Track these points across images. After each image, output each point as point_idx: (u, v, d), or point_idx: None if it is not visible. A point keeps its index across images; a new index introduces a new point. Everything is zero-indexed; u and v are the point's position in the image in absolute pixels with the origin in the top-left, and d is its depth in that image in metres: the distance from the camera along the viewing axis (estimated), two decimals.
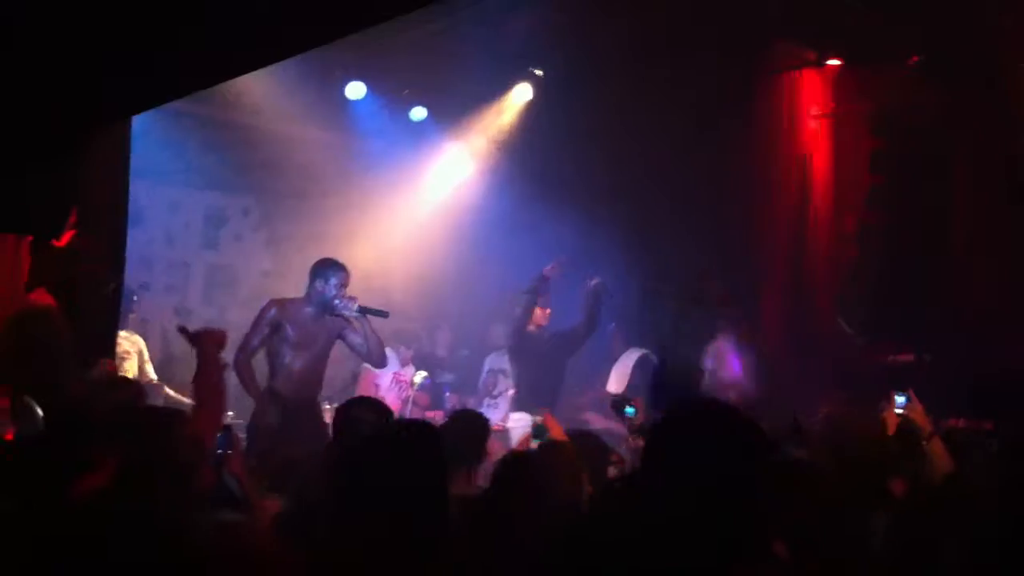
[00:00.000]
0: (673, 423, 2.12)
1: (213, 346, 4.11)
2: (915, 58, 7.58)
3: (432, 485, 2.69)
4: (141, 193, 7.70)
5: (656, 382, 7.02)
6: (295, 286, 6.58)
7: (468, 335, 9.42)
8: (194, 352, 4.11)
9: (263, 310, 6.23)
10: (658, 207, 8.41)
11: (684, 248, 8.09)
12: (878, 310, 7.81)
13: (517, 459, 3.63)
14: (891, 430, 4.02)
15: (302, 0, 4.37)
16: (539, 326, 7.69)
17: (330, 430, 4.47)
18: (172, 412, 3.61)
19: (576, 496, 3.43)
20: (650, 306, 8.24)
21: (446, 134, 9.48)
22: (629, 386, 7.53)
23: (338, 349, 6.51)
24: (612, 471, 3.87)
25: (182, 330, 4.27)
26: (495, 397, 8.18)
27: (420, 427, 2.93)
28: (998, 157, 7.33)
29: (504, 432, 7.25)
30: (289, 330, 6.15)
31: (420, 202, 9.56)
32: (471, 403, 7.99)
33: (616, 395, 6.76)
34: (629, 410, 5.10)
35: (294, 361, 6.16)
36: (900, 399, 4.14)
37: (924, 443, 3.93)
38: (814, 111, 8.49)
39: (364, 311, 6.19)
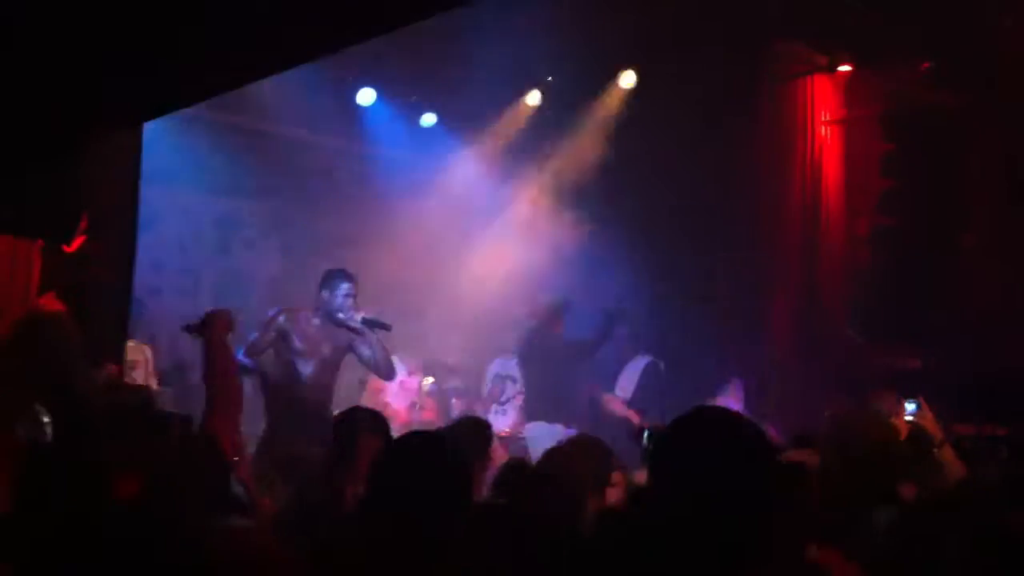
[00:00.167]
0: (679, 430, 2.12)
1: (221, 329, 4.07)
2: (926, 64, 7.58)
3: (447, 490, 2.69)
4: (152, 198, 7.71)
5: (662, 388, 7.04)
6: (306, 292, 6.58)
7: (480, 341, 9.40)
8: (202, 350, 4.07)
9: (273, 315, 6.22)
10: (663, 207, 8.42)
11: (692, 250, 8.09)
12: (890, 313, 7.80)
13: (520, 465, 3.62)
14: (902, 437, 4.01)
15: (312, 7, 4.37)
16: (555, 333, 7.65)
17: None
18: (184, 416, 3.62)
19: (580, 502, 3.42)
20: (658, 311, 8.24)
21: (456, 140, 9.48)
22: (635, 392, 7.52)
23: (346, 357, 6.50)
24: (616, 476, 3.85)
25: (187, 327, 4.26)
26: (503, 404, 8.15)
27: (434, 435, 2.93)
28: (1009, 161, 7.32)
29: (513, 439, 7.23)
30: (295, 340, 6.15)
31: (430, 207, 9.57)
32: (478, 409, 7.96)
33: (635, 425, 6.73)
34: (647, 438, 5.08)
35: (302, 370, 6.16)
36: (910, 406, 4.12)
37: (935, 451, 3.91)
38: (826, 116, 8.51)
39: (368, 323, 6.18)
